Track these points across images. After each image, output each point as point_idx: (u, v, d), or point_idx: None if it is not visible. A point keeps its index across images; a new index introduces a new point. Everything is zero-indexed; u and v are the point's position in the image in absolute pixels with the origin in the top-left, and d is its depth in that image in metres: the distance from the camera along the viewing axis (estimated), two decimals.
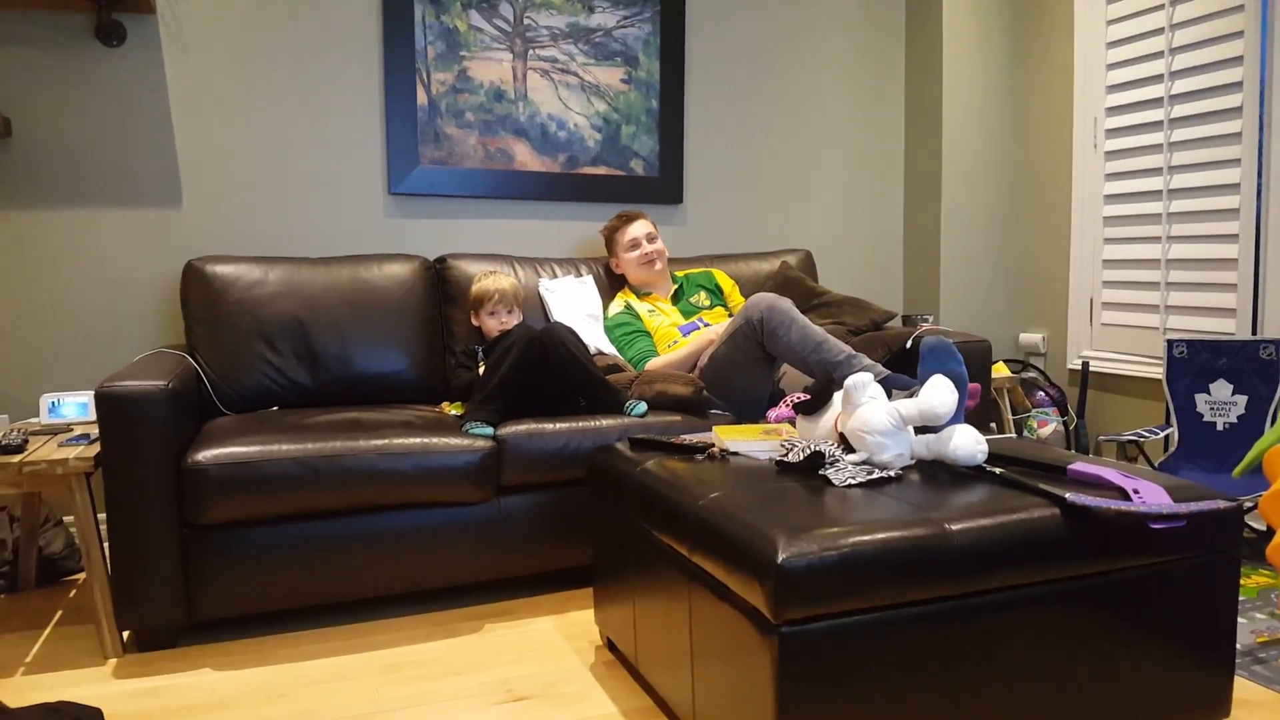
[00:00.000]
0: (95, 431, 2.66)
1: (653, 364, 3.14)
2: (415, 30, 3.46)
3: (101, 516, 3.06)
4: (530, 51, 3.63)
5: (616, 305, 3.37)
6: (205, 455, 2.35)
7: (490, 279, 3.12)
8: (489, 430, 2.64)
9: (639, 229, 3.40)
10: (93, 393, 2.84)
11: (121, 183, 3.19)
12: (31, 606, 2.77)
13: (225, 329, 2.94)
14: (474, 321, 3.14)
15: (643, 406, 2.79)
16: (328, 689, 2.21)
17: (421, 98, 3.49)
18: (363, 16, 3.42)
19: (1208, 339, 3.10)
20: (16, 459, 2.35)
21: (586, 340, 3.09)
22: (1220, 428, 3.07)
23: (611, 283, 3.52)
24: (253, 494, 2.37)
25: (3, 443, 2.42)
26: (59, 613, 2.72)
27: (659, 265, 3.40)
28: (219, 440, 2.41)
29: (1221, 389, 3.07)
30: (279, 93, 3.34)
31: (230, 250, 3.32)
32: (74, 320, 3.16)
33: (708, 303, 3.44)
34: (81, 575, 3.03)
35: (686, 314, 3.37)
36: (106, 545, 2.44)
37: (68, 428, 2.76)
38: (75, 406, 2.85)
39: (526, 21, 3.61)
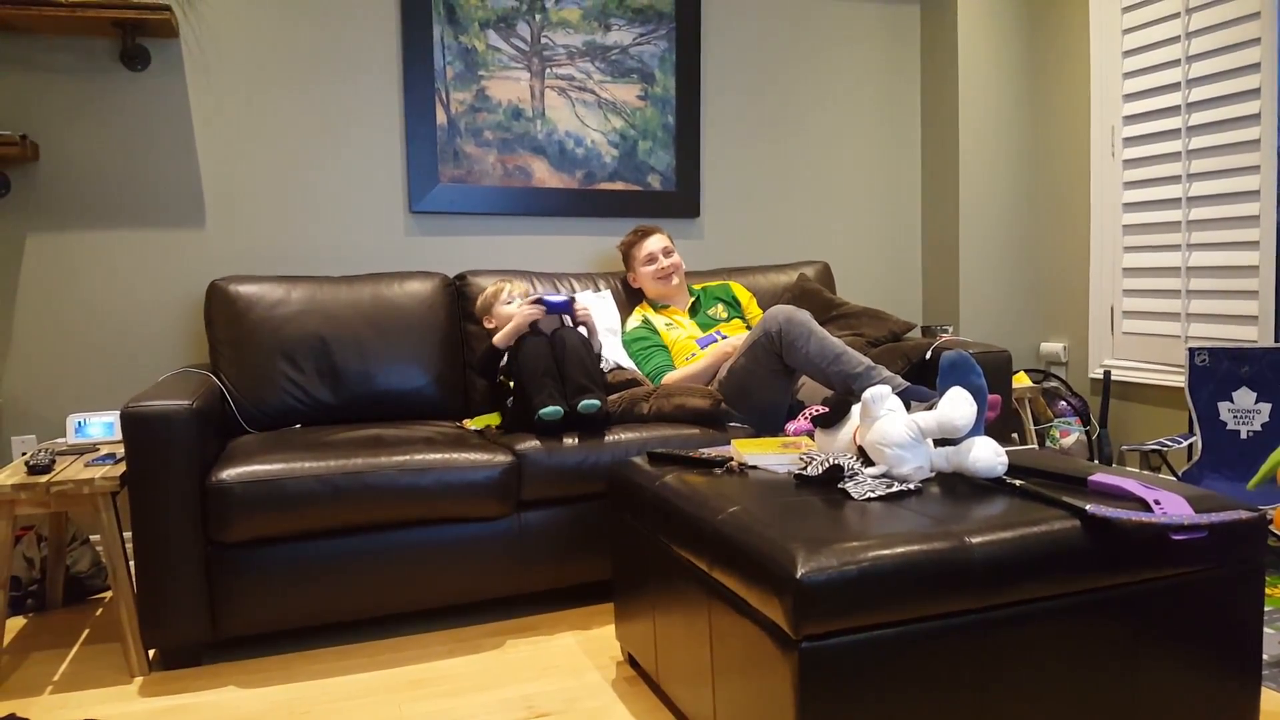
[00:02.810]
0: (121, 451, 2.69)
1: (670, 377, 3.15)
2: (434, 50, 3.49)
3: (127, 535, 3.10)
4: (548, 70, 3.66)
5: (634, 319, 3.38)
6: (229, 474, 2.37)
7: (498, 282, 3.24)
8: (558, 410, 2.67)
9: (655, 244, 3.41)
10: (118, 412, 2.87)
11: (146, 204, 3.23)
12: (58, 625, 2.80)
13: (248, 348, 2.97)
14: (488, 324, 3.16)
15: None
16: (351, 706, 2.22)
17: (441, 117, 3.52)
18: (382, 38, 3.46)
19: (1230, 346, 3.08)
20: (44, 479, 2.38)
21: (605, 355, 3.11)
22: (1244, 436, 3.04)
23: (629, 297, 3.53)
24: (276, 511, 2.39)
25: (30, 462, 2.46)
26: (85, 631, 2.74)
27: (675, 279, 3.41)
28: (243, 458, 2.43)
29: (1245, 397, 3.05)
30: (300, 114, 3.38)
31: (253, 270, 3.35)
32: (99, 341, 3.21)
33: (725, 315, 3.44)
34: (108, 594, 3.06)
35: (704, 326, 3.38)
36: (132, 564, 2.46)
37: (94, 447, 2.80)
38: (101, 426, 2.89)
39: (544, 40, 3.64)
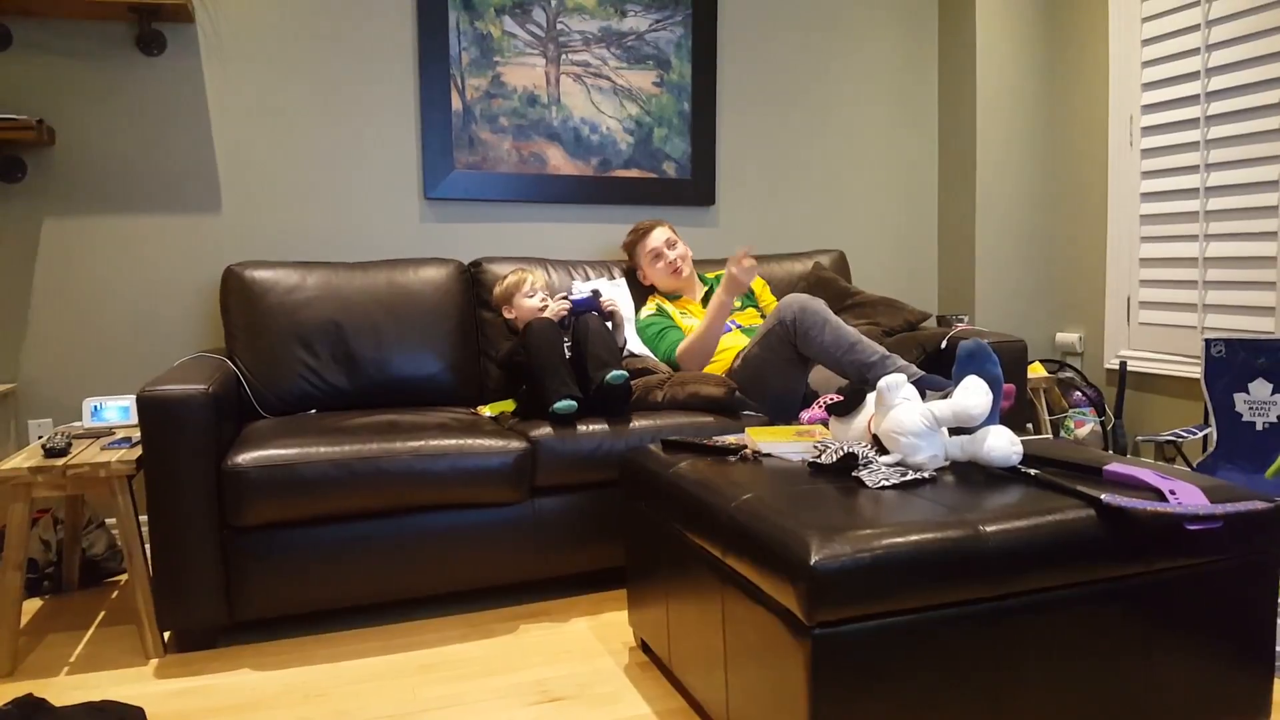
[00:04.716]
0: (137, 435, 2.71)
1: (681, 346, 3.12)
2: (450, 37, 3.49)
3: (143, 518, 3.12)
4: (563, 56, 3.65)
5: (648, 308, 3.37)
6: (245, 458, 2.39)
7: (519, 270, 3.18)
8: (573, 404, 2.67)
9: (658, 238, 3.39)
10: (134, 396, 2.89)
11: (162, 189, 3.24)
12: (75, 607, 2.82)
13: (264, 333, 2.99)
14: (508, 315, 3.15)
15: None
16: (365, 689, 2.23)
17: (456, 103, 3.52)
18: (398, 24, 3.46)
19: (1246, 338, 3.06)
20: (60, 462, 2.40)
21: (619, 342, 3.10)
22: (1260, 427, 3.02)
23: (639, 291, 3.51)
24: (291, 496, 2.40)
25: (47, 446, 2.47)
26: (101, 613, 2.77)
27: (685, 271, 3.38)
28: (258, 443, 2.44)
29: (1261, 388, 3.03)
30: (316, 99, 3.39)
31: (269, 255, 3.36)
32: (116, 325, 3.22)
33: (738, 304, 3.43)
34: (123, 576, 3.08)
35: None
36: (148, 547, 2.48)
37: (110, 431, 2.81)
38: (117, 410, 2.90)
39: (559, 26, 3.63)
